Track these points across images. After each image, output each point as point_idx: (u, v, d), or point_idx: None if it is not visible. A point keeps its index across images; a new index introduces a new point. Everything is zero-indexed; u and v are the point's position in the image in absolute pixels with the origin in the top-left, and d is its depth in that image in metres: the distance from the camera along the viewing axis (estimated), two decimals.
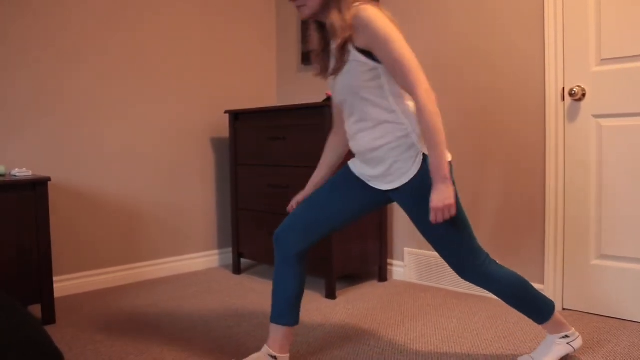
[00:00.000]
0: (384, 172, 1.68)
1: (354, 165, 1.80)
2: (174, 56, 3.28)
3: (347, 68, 1.59)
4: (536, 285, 2.52)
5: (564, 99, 2.44)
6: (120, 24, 3.03)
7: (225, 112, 3.31)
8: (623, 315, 2.33)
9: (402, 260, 3.11)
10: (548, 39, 2.45)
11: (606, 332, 2.19)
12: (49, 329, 2.30)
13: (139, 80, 3.13)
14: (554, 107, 2.46)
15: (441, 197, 1.52)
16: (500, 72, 2.65)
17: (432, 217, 1.54)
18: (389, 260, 3.15)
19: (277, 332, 1.82)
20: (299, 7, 1.62)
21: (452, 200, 1.52)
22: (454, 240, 1.67)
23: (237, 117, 3.29)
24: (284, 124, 2.98)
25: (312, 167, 2.82)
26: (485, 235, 2.73)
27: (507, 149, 2.66)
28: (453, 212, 1.53)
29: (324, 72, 1.72)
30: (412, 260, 3.05)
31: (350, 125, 1.72)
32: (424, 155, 1.61)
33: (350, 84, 1.60)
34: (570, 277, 2.47)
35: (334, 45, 1.60)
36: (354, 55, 1.57)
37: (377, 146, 1.65)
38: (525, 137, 2.58)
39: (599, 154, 2.36)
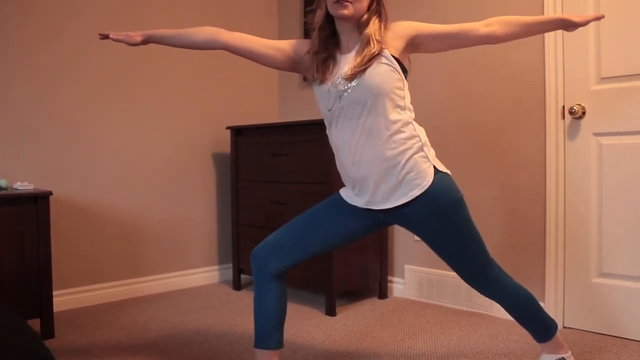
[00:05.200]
0: (394, 187, 1.63)
1: (346, 194, 1.77)
2: (176, 71, 3.31)
3: (376, 70, 1.59)
4: None
5: (564, 117, 2.45)
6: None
7: (227, 128, 3.33)
8: (624, 333, 2.32)
9: (403, 277, 3.10)
10: (548, 58, 2.47)
11: (607, 350, 2.18)
12: (48, 343, 2.28)
13: (140, 96, 3.16)
14: (554, 125, 2.47)
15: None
16: (501, 90, 2.67)
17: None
18: (389, 277, 3.14)
19: (261, 357, 1.71)
20: (344, 2, 1.60)
21: None
22: (470, 253, 1.69)
23: (238, 133, 3.30)
24: (286, 140, 3.00)
25: (314, 184, 2.83)
26: None
27: (507, 167, 2.66)
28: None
29: (326, 76, 1.68)
30: (413, 277, 3.04)
31: (355, 139, 1.64)
32: (435, 168, 1.64)
33: (381, 86, 1.59)
34: (571, 295, 2.46)
35: (358, 55, 1.62)
36: (388, 59, 1.60)
37: (391, 156, 1.61)
38: (526, 155, 2.59)
39: (599, 171, 2.37)
